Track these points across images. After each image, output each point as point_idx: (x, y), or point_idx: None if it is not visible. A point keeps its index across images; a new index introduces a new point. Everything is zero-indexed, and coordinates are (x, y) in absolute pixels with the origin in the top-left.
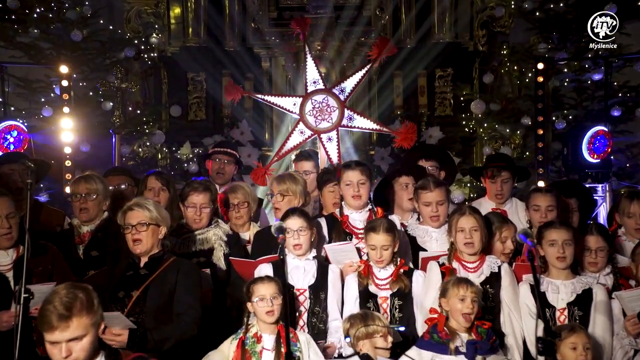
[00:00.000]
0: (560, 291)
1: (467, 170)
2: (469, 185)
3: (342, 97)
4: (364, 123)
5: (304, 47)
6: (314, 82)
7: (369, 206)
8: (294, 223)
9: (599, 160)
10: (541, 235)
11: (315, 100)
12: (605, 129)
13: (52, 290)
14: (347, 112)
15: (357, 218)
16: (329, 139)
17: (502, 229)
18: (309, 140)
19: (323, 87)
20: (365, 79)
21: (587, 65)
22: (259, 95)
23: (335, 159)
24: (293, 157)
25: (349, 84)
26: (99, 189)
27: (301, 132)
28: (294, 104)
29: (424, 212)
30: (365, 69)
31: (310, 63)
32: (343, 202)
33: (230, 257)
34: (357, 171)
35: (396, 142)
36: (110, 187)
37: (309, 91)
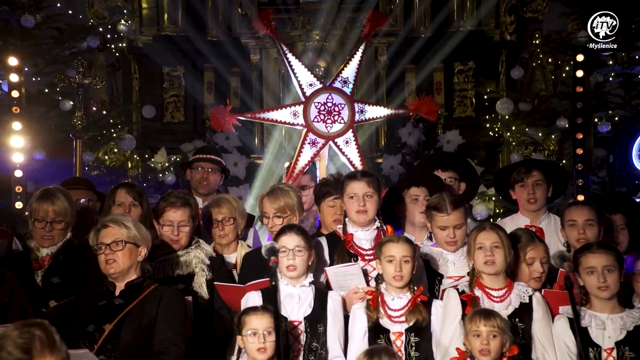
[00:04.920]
0: (607, 327)
1: (491, 181)
2: (493, 199)
3: (347, 91)
4: (377, 112)
5: (280, 48)
6: (310, 85)
7: (377, 223)
8: (290, 241)
9: None
10: (577, 262)
11: (318, 103)
12: None
13: (0, 334)
14: (357, 106)
15: (363, 237)
16: (346, 141)
17: (526, 248)
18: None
19: (322, 86)
20: (364, 62)
21: (637, 57)
22: (249, 115)
23: (359, 164)
24: (285, 170)
25: (349, 71)
26: (68, 213)
27: (312, 144)
28: (295, 114)
29: (439, 237)
30: (361, 49)
31: (297, 66)
32: (346, 219)
33: (214, 282)
34: (362, 182)
35: (421, 115)
36: None
37: (307, 95)
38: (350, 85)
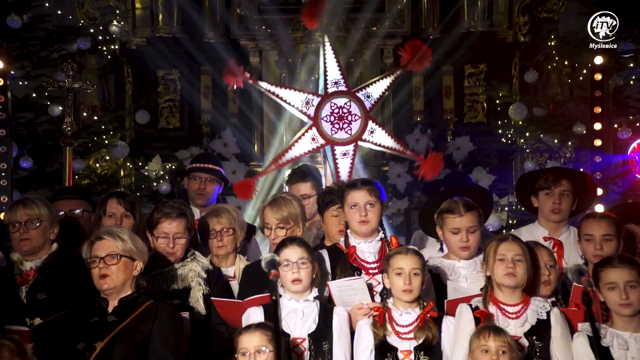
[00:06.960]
0: (630, 347)
1: (504, 190)
2: (506, 209)
3: (367, 105)
4: (384, 139)
5: (322, 37)
6: (335, 84)
7: (381, 234)
8: (294, 253)
9: None
10: (597, 277)
11: (334, 104)
12: None
13: None
14: (370, 125)
15: (366, 249)
16: (344, 153)
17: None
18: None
19: (346, 90)
20: (391, 88)
21: None
22: (264, 85)
23: (344, 177)
24: (286, 177)
25: (375, 90)
26: (43, 214)
27: (313, 139)
28: (308, 103)
29: (451, 241)
30: (394, 75)
31: (331, 59)
32: (348, 230)
33: (212, 298)
34: (363, 191)
35: (420, 171)
36: (61, 213)
37: (328, 92)
38: (372, 102)
